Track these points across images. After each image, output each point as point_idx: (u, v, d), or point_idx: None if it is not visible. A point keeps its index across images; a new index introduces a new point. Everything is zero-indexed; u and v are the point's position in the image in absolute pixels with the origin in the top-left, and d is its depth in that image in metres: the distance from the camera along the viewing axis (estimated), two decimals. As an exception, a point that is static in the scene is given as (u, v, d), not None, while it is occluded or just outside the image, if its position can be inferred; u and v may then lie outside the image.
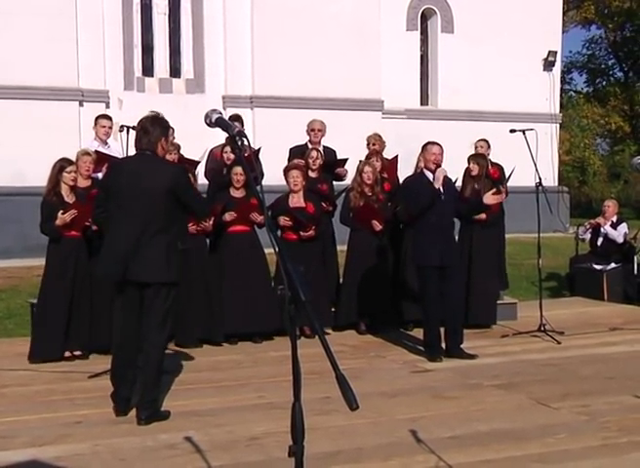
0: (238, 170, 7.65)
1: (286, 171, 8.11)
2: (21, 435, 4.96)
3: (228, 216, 7.62)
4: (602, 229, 10.69)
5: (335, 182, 8.83)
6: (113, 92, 13.37)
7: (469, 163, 8.52)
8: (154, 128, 5.33)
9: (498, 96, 15.71)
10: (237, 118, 8.68)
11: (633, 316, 9.30)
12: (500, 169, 9.15)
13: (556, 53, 16.79)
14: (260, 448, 4.66)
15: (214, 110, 3.05)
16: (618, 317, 9.23)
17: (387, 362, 7.07)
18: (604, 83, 33.90)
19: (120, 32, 13.49)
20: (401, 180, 8.32)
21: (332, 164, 8.68)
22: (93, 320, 7.03)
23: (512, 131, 8.32)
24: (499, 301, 8.90)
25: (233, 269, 7.69)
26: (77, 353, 7.05)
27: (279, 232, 7.93)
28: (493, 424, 5.09)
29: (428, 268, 6.97)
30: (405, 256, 8.29)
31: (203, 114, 3.06)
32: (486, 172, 8.47)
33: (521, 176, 8.80)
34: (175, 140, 7.84)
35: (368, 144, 8.79)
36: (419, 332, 7.62)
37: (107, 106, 13.08)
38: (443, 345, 7.10)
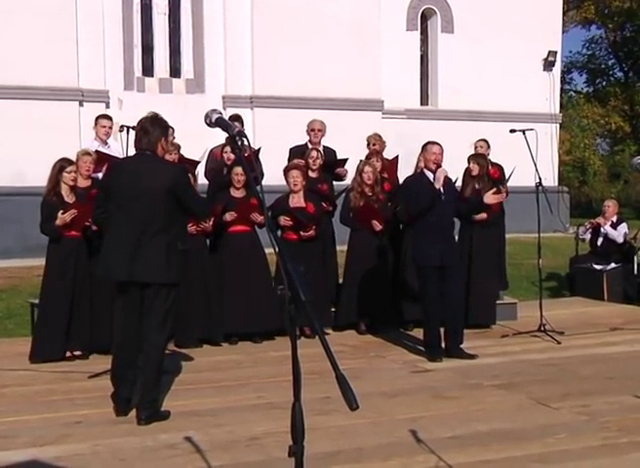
0: (238, 170, 7.65)
1: (286, 171, 8.11)
2: (22, 435, 4.96)
3: (229, 217, 7.62)
4: (602, 229, 10.69)
5: (335, 182, 8.83)
6: (113, 92, 13.37)
7: (469, 163, 8.52)
8: (154, 128, 5.33)
9: (498, 96, 15.71)
10: (237, 118, 8.68)
11: (633, 316, 9.30)
12: (500, 169, 9.15)
13: (556, 53, 16.79)
14: (260, 448, 4.66)
15: (214, 110, 3.05)
16: (618, 317, 9.23)
17: (387, 362, 7.07)
18: (604, 83, 33.91)
19: (120, 32, 13.49)
20: (401, 181, 8.33)
21: (332, 164, 8.68)
22: (93, 320, 7.03)
23: (512, 131, 8.32)
24: (498, 301, 8.90)
25: (234, 269, 7.69)
26: (77, 353, 7.06)
27: (279, 232, 7.93)
28: (493, 424, 5.09)
29: (428, 268, 6.97)
30: (405, 256, 8.29)
31: (203, 114, 3.06)
32: (486, 172, 8.47)
33: (521, 177, 8.80)
34: (175, 140, 7.84)
35: (368, 144, 8.79)
36: (419, 333, 7.62)
37: (107, 106, 13.08)
38: (443, 345, 7.10)
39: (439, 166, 7.03)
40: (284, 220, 7.85)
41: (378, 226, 8.12)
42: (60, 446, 4.76)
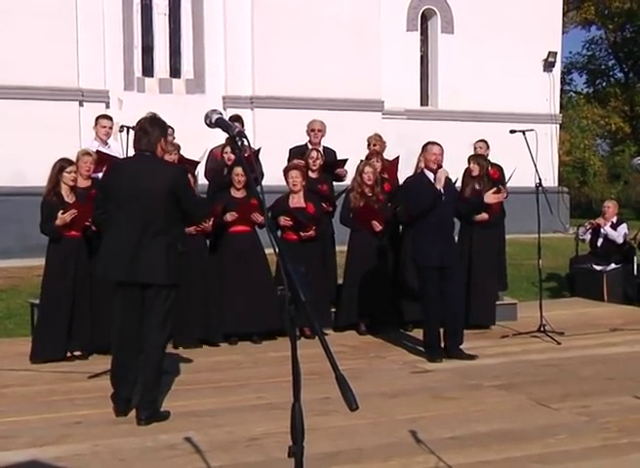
0: (239, 170, 7.65)
1: (285, 171, 8.11)
2: (22, 435, 4.96)
3: (229, 217, 7.62)
4: (602, 230, 10.69)
5: (335, 183, 8.83)
6: (113, 92, 13.36)
7: (470, 163, 8.52)
8: (153, 128, 5.32)
9: (498, 96, 15.71)
10: (237, 118, 8.68)
11: (633, 317, 9.31)
12: (500, 169, 9.15)
13: (556, 53, 16.79)
14: (259, 448, 4.66)
15: (214, 111, 3.05)
16: (618, 318, 9.23)
17: (387, 362, 7.07)
18: (604, 84, 33.91)
19: (120, 32, 13.49)
20: (401, 181, 8.33)
21: (332, 164, 8.68)
22: (93, 320, 7.03)
23: (512, 131, 8.32)
24: (498, 302, 8.89)
25: (234, 269, 7.69)
26: (77, 353, 7.05)
27: (279, 232, 7.93)
28: (493, 425, 5.09)
29: (428, 269, 6.97)
30: (405, 257, 8.29)
31: (203, 114, 3.06)
32: (486, 172, 8.47)
33: (521, 177, 8.79)
34: (175, 141, 7.85)
35: (369, 145, 8.79)
36: (418, 333, 7.62)
37: (107, 106, 13.07)
38: (443, 346, 7.10)
39: (440, 166, 7.03)
40: (284, 221, 7.85)
41: (377, 227, 8.12)
42: (60, 446, 4.76)
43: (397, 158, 8.82)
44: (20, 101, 12.29)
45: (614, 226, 10.68)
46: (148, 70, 14.09)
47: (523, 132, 8.12)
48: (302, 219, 7.83)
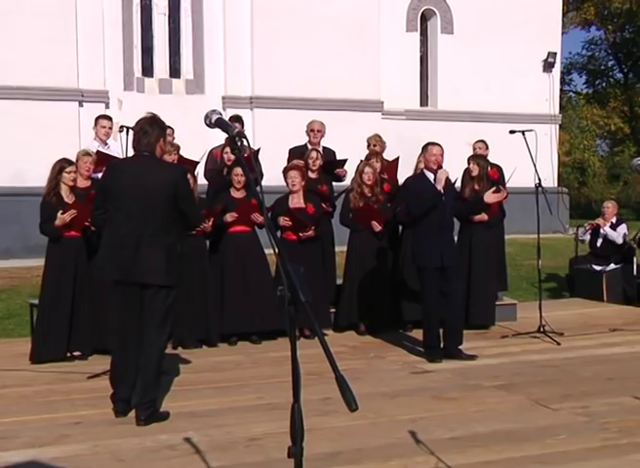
0: (238, 170, 7.66)
1: (285, 171, 8.11)
2: (21, 435, 4.95)
3: (229, 217, 7.62)
4: (601, 230, 10.69)
5: (334, 183, 8.83)
6: (113, 92, 13.36)
7: (469, 163, 8.52)
8: (153, 129, 5.32)
9: (497, 96, 15.71)
10: (237, 119, 8.69)
11: (633, 317, 9.31)
12: (500, 170, 9.15)
13: (556, 54, 16.78)
14: (259, 448, 4.66)
15: (213, 111, 3.05)
16: (617, 318, 9.23)
17: (387, 363, 7.07)
18: (604, 84, 33.94)
19: (120, 33, 13.48)
20: (400, 181, 8.33)
21: (331, 165, 8.68)
22: (93, 320, 7.03)
23: (512, 132, 8.32)
24: (498, 302, 8.89)
25: (234, 269, 7.69)
26: (76, 353, 7.05)
27: (279, 233, 7.92)
28: (492, 425, 5.08)
29: (428, 269, 6.97)
30: (404, 257, 8.29)
31: (203, 115, 3.06)
32: (486, 173, 8.47)
33: (521, 177, 8.80)
34: (174, 141, 7.84)
35: (369, 145, 8.79)
36: (418, 333, 7.61)
37: (107, 107, 13.07)
38: (442, 346, 7.10)
39: (440, 167, 7.03)
40: (283, 221, 7.85)
41: (377, 227, 8.12)
42: (60, 446, 4.76)
43: (397, 158, 8.82)
44: (19, 102, 12.29)
45: (613, 227, 10.68)
46: (148, 70, 14.09)
47: (523, 132, 8.12)
48: (302, 219, 7.83)
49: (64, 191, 6.94)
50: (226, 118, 3.27)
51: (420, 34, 16.15)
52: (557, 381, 6.28)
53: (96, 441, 4.81)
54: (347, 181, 8.65)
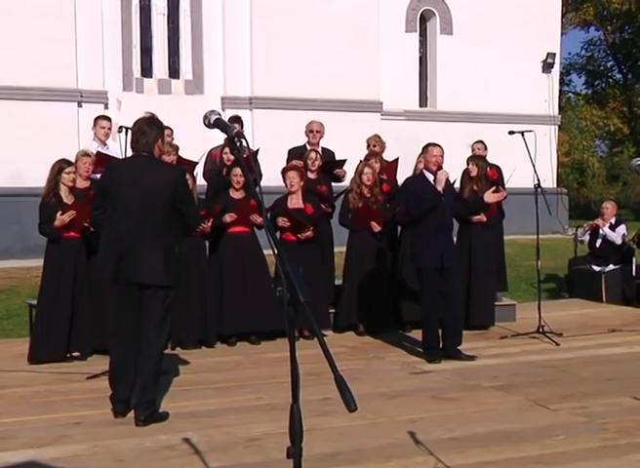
0: (237, 171, 7.65)
1: (284, 172, 8.11)
2: (20, 436, 4.95)
3: (229, 218, 7.61)
4: (601, 231, 10.69)
5: (333, 183, 8.83)
6: (112, 93, 13.36)
7: (468, 164, 8.52)
8: (151, 129, 5.32)
9: (496, 97, 15.71)
10: (237, 119, 8.69)
11: (632, 317, 9.31)
12: (499, 170, 9.15)
13: (555, 54, 16.79)
14: (258, 449, 4.66)
15: (212, 111, 3.05)
16: (616, 318, 9.24)
17: (386, 363, 7.07)
18: (603, 85, 33.94)
19: (119, 33, 13.48)
20: (400, 182, 8.33)
21: (330, 165, 8.67)
22: (92, 321, 7.03)
23: (511, 132, 8.32)
24: (497, 303, 8.89)
25: (233, 270, 7.69)
26: (75, 354, 7.05)
27: (278, 233, 7.92)
28: (492, 426, 5.08)
29: (428, 269, 6.97)
30: (404, 258, 8.29)
31: (202, 115, 3.06)
32: (485, 173, 8.47)
33: (520, 178, 8.81)
34: (174, 141, 7.84)
35: (368, 146, 8.78)
36: (417, 334, 7.61)
37: (106, 107, 13.07)
38: (441, 346, 7.10)
39: (440, 167, 7.03)
40: (282, 221, 7.85)
41: (376, 227, 8.11)
42: (59, 447, 4.75)
43: (396, 159, 8.82)
44: (18, 102, 12.29)
45: (612, 227, 10.68)
46: (147, 71, 14.09)
47: (522, 133, 8.13)
48: (300, 220, 7.83)
49: (64, 192, 6.94)
50: (225, 118, 3.27)
51: (420, 35, 16.16)
52: (556, 382, 6.28)
53: (95, 441, 4.81)
54: (347, 182, 8.65)
